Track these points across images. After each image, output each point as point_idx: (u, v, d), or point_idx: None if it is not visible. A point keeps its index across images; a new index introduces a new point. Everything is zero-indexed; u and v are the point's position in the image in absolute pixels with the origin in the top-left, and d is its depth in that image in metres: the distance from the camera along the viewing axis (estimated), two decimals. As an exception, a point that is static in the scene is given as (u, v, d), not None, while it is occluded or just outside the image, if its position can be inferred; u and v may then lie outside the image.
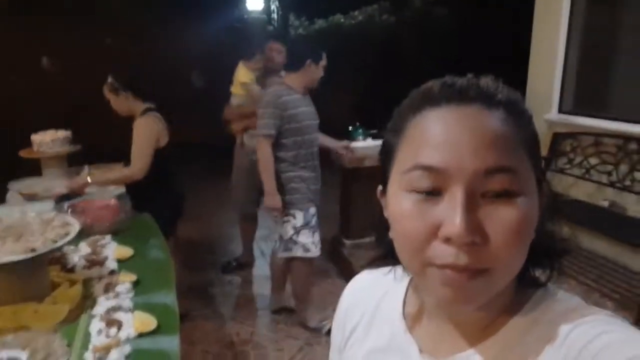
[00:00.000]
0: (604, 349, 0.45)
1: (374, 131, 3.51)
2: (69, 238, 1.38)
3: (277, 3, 7.83)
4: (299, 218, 2.62)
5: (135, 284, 1.57)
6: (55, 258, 1.73)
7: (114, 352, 1.19)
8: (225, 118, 3.48)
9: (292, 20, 7.56)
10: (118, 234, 2.03)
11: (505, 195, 0.47)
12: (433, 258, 0.48)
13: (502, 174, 0.47)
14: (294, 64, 2.66)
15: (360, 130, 3.51)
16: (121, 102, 2.63)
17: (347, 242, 3.56)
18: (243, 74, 3.42)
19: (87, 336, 1.29)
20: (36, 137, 2.93)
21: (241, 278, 3.48)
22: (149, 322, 1.33)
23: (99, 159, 3.21)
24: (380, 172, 0.57)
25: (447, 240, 0.47)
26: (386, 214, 0.57)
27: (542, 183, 0.52)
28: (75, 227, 1.45)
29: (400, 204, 0.51)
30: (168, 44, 6.21)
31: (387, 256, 0.63)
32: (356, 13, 7.88)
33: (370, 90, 6.64)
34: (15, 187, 2.72)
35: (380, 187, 0.58)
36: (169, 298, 1.49)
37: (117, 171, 2.72)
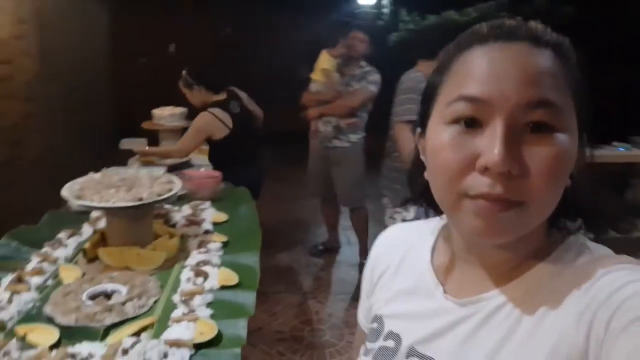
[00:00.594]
0: (631, 297, 0.44)
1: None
2: (171, 193, 1.54)
3: (389, -2, 7.81)
4: (411, 211, 2.55)
5: (225, 245, 1.70)
6: (160, 214, 1.93)
7: (197, 298, 1.31)
8: (303, 104, 3.53)
9: (402, 15, 7.47)
10: (217, 201, 2.20)
11: (546, 130, 0.47)
12: (468, 189, 0.49)
13: (544, 108, 0.47)
14: (429, 51, 2.56)
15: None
16: (195, 96, 2.86)
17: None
18: (324, 61, 3.47)
19: (177, 282, 1.43)
20: (156, 111, 3.26)
21: (325, 262, 3.57)
22: (232, 277, 1.45)
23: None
24: (420, 115, 0.59)
25: (484, 170, 0.47)
26: (422, 157, 0.59)
27: (584, 133, 0.51)
28: (177, 184, 1.61)
29: (439, 136, 0.52)
30: (277, 35, 6.48)
31: (419, 198, 0.64)
32: (470, 10, 7.59)
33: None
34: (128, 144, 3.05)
35: (418, 130, 0.60)
36: (252, 260, 1.60)
37: (168, 147, 3.00)
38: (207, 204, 2.15)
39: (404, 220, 2.50)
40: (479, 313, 0.55)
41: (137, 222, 1.55)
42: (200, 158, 3.17)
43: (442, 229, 0.67)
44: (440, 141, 0.52)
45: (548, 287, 0.51)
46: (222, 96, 2.84)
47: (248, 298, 1.37)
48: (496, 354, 0.51)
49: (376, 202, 3.27)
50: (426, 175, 0.57)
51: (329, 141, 3.37)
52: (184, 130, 3.30)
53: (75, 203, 1.44)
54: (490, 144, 0.47)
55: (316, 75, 3.51)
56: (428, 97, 0.57)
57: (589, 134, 0.53)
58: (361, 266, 3.34)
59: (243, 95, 3.08)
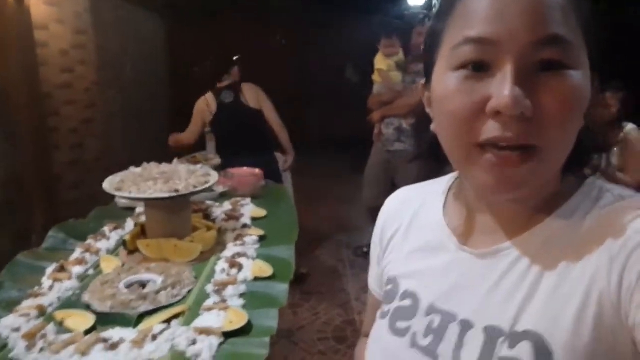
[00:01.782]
0: None
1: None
2: (207, 185, 1.55)
3: (439, -2, 7.66)
4: None
5: (262, 239, 1.69)
6: (201, 209, 1.96)
7: (230, 288, 1.30)
8: (368, 107, 3.41)
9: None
10: (257, 198, 2.20)
11: (557, 67, 0.44)
12: (479, 136, 0.46)
13: (555, 46, 0.44)
14: None
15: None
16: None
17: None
18: (379, 61, 3.34)
19: (212, 273, 1.43)
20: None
21: (369, 265, 3.48)
22: (266, 269, 1.43)
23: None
24: (424, 65, 0.56)
25: (496, 114, 0.44)
26: (428, 109, 0.56)
27: (595, 72, 0.47)
28: (214, 177, 1.62)
29: (446, 83, 0.49)
30: (326, 39, 6.51)
31: (427, 153, 0.62)
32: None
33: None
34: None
35: (422, 81, 0.57)
36: (287, 253, 1.58)
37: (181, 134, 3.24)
38: (248, 200, 2.16)
39: None
40: (499, 265, 0.52)
41: (175, 215, 1.57)
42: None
43: (452, 184, 0.64)
44: (447, 88, 0.48)
45: (572, 234, 0.48)
46: (224, 84, 3.07)
47: (281, 289, 1.34)
48: (527, 304, 0.48)
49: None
50: (433, 127, 0.54)
51: (391, 144, 3.19)
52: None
53: (113, 194, 1.47)
54: (500, 87, 0.44)
55: (375, 77, 3.42)
56: (431, 45, 0.53)
57: (600, 73, 0.49)
58: None
59: (254, 91, 3.11)
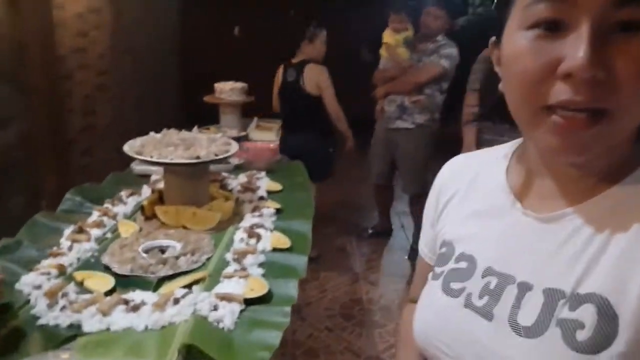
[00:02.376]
0: None
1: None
2: (228, 154, 1.53)
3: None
4: None
5: (278, 212, 1.69)
6: (217, 179, 1.94)
7: (249, 257, 1.30)
8: (373, 82, 3.33)
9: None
10: (272, 172, 2.19)
11: (637, 29, 0.41)
12: (548, 98, 0.44)
13: (635, 5, 0.41)
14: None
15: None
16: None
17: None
18: (386, 36, 3.21)
19: (230, 242, 1.42)
20: (218, 85, 3.29)
21: (378, 245, 3.49)
22: (284, 241, 1.42)
23: (267, 114, 3.53)
24: (496, 23, 0.53)
25: (567, 77, 0.42)
26: (497, 68, 0.54)
27: None
28: (235, 146, 1.61)
29: (517, 42, 0.47)
30: (342, 18, 6.39)
31: (491, 113, 0.60)
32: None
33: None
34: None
35: (493, 39, 0.54)
36: (304, 227, 1.57)
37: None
38: (263, 174, 2.15)
39: None
40: (563, 229, 0.51)
41: (194, 182, 1.56)
42: (259, 134, 3.19)
43: (516, 149, 0.63)
44: (518, 47, 0.46)
45: (634, 207, 0.47)
46: (295, 61, 3.18)
47: (300, 261, 1.34)
48: (591, 268, 0.47)
49: (426, 187, 3.15)
50: (501, 87, 0.53)
51: (392, 122, 3.13)
52: (243, 105, 3.36)
53: (134, 157, 1.46)
54: (574, 48, 0.42)
55: (382, 51, 3.31)
56: (504, 2, 0.51)
57: None
58: (412, 251, 3.25)
59: (315, 74, 3.14)
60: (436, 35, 2.99)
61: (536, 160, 0.56)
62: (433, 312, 0.61)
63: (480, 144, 2.41)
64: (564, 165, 0.52)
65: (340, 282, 2.91)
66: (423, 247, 0.75)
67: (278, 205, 1.72)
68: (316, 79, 3.09)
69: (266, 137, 3.12)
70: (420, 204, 2.95)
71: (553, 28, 0.44)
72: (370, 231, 3.60)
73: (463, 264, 0.59)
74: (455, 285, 0.59)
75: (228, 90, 3.31)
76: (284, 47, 6.57)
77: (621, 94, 0.42)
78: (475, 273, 0.57)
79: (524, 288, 0.52)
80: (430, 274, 0.65)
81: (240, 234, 1.45)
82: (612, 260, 0.47)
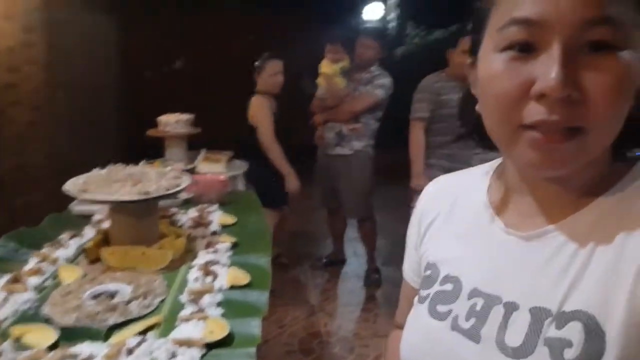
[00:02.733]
0: None
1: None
2: (180, 187, 1.47)
3: (395, 12, 7.83)
4: None
5: (234, 246, 1.62)
6: (166, 215, 1.86)
7: (206, 297, 1.22)
8: (311, 110, 3.43)
9: (409, 29, 7.51)
10: (224, 205, 2.12)
11: (607, 48, 0.43)
12: (524, 118, 0.45)
13: (604, 25, 0.42)
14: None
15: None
16: None
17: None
18: (324, 66, 3.33)
19: (184, 282, 1.34)
20: (162, 118, 3.20)
21: (332, 274, 3.45)
22: (243, 277, 1.36)
23: (214, 146, 3.45)
24: (470, 44, 0.55)
25: (541, 97, 0.43)
26: (473, 89, 0.55)
27: None
28: (186, 180, 1.54)
29: (492, 64, 0.48)
30: (282, 49, 6.49)
31: (471, 134, 0.61)
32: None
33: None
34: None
35: (469, 60, 0.56)
36: (263, 260, 1.51)
37: None
38: (215, 207, 2.08)
39: None
40: (546, 246, 0.51)
41: (143, 220, 1.47)
42: (207, 166, 3.11)
43: (496, 168, 0.63)
44: (493, 69, 0.48)
45: (622, 216, 0.47)
46: None
47: (260, 297, 1.28)
48: (576, 285, 0.47)
49: (383, 213, 3.19)
50: (478, 107, 0.53)
51: (331, 148, 3.24)
52: (190, 137, 3.28)
53: (78, 197, 1.36)
54: (546, 68, 0.43)
55: (319, 80, 3.41)
56: (478, 24, 0.52)
57: None
58: (367, 278, 3.25)
59: (252, 106, 3.27)
60: (370, 65, 3.13)
61: (515, 178, 0.56)
62: (420, 336, 0.60)
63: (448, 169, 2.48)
64: (544, 181, 0.52)
65: (298, 316, 2.84)
66: (407, 271, 0.74)
67: (233, 239, 1.66)
68: (252, 111, 3.13)
69: (215, 169, 3.05)
70: (367, 228, 2.97)
71: (526, 49, 0.46)
72: (324, 260, 3.58)
73: (449, 286, 0.59)
74: (442, 308, 0.58)
75: (173, 122, 3.22)
76: (229, 77, 6.54)
77: (594, 112, 0.43)
78: (461, 295, 0.57)
79: (511, 308, 0.51)
80: (416, 298, 0.64)
81: (194, 273, 1.37)
82: (597, 275, 0.47)
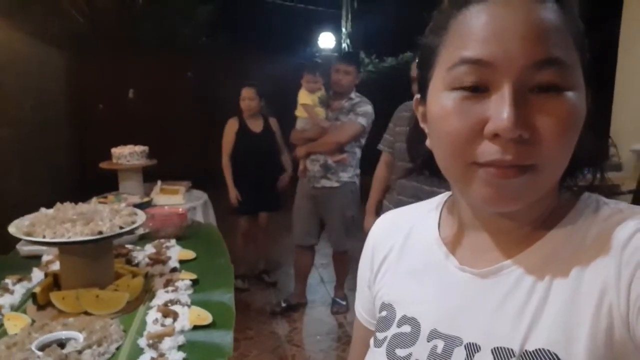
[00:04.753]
0: None
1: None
2: (135, 225, 1.40)
3: (348, 41, 8.02)
4: None
5: (195, 283, 1.56)
6: (121, 253, 1.77)
7: (167, 340, 1.16)
8: (291, 142, 3.31)
9: (362, 57, 7.67)
10: (182, 239, 2.05)
11: (555, 89, 0.44)
12: (477, 157, 0.45)
13: (552, 67, 0.44)
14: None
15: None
16: None
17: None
18: (303, 96, 3.24)
19: (143, 324, 1.27)
20: (116, 150, 3.10)
21: (288, 322, 3.15)
22: (205, 316, 1.30)
23: (170, 177, 3.36)
24: (418, 81, 0.54)
25: (494, 137, 0.44)
26: (422, 124, 0.55)
27: (589, 88, 0.48)
28: (141, 216, 1.47)
29: (442, 103, 0.48)
30: (238, 78, 6.48)
31: (421, 169, 0.61)
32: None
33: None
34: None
35: (417, 96, 0.56)
36: (226, 297, 1.46)
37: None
38: (173, 241, 2.00)
39: None
40: (502, 283, 0.50)
41: (96, 261, 1.39)
42: (164, 198, 3.02)
43: (445, 202, 0.63)
44: (444, 108, 0.48)
45: (574, 248, 0.48)
46: None
47: (224, 337, 1.22)
48: (536, 322, 0.47)
49: (354, 240, 3.13)
50: (428, 144, 0.54)
51: (317, 181, 3.09)
52: (144, 169, 3.18)
53: (23, 239, 1.27)
54: (498, 109, 0.44)
55: (298, 112, 3.30)
56: (426, 61, 0.52)
57: (593, 87, 0.50)
58: (334, 304, 3.19)
59: None
60: (349, 91, 3.03)
61: (468, 213, 0.56)
62: None
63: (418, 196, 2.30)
64: (498, 216, 0.52)
65: (264, 349, 2.74)
66: (360, 311, 0.71)
67: (194, 276, 1.59)
68: None
69: (172, 201, 2.97)
70: (342, 257, 2.81)
71: (476, 89, 0.46)
72: (283, 304, 3.28)
73: (406, 328, 0.57)
74: (401, 352, 0.56)
75: (127, 154, 3.12)
76: (184, 107, 6.45)
77: (545, 150, 0.44)
78: (420, 337, 0.55)
79: (472, 349, 0.50)
80: (372, 341, 0.62)
81: (153, 314, 1.30)
82: (555, 310, 0.46)
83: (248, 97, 3.51)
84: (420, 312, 0.57)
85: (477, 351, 0.49)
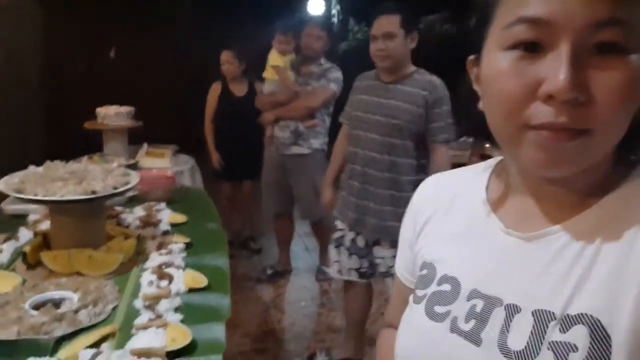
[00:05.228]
0: None
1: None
2: (129, 186, 1.37)
3: (337, 7, 7.85)
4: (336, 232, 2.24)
5: (188, 246, 1.54)
6: (111, 215, 1.74)
7: (163, 302, 1.15)
8: (258, 107, 3.18)
9: (351, 24, 7.54)
10: (172, 203, 2.02)
11: (616, 51, 0.42)
12: (530, 119, 0.44)
13: (615, 27, 0.42)
14: None
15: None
16: None
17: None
18: (274, 58, 3.14)
19: (137, 286, 1.26)
20: (101, 110, 3.02)
21: (274, 288, 3.18)
22: (200, 279, 1.30)
23: (156, 140, 3.30)
24: (473, 38, 0.53)
25: (548, 98, 0.43)
26: (476, 86, 0.54)
27: None
28: (135, 177, 1.44)
29: (497, 63, 0.47)
30: (220, 43, 6.33)
31: (473, 130, 0.61)
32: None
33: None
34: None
35: (471, 57, 0.54)
36: (220, 261, 1.45)
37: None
38: (162, 205, 1.97)
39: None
40: (548, 248, 0.50)
41: (88, 221, 1.36)
42: (150, 161, 2.97)
43: (495, 165, 0.62)
44: (498, 68, 0.46)
45: (626, 217, 0.47)
46: None
47: (221, 300, 1.22)
48: (580, 287, 0.46)
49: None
50: (481, 105, 0.52)
51: (287, 148, 3.01)
52: (129, 130, 3.11)
53: (14, 196, 1.23)
54: (554, 70, 0.42)
55: (268, 74, 3.19)
56: (481, 20, 0.50)
57: None
58: (318, 271, 3.22)
59: None
60: (319, 56, 2.96)
61: (516, 178, 0.55)
62: (417, 338, 0.58)
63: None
64: (547, 182, 0.51)
65: (250, 315, 2.76)
66: (401, 269, 0.72)
67: (187, 239, 1.58)
68: None
69: (159, 164, 2.92)
70: (321, 227, 2.77)
71: (532, 49, 0.44)
72: (269, 272, 3.24)
73: (446, 287, 0.57)
74: (440, 309, 0.56)
75: (112, 114, 3.05)
76: (171, 68, 6.26)
77: (601, 114, 0.43)
78: (459, 296, 0.55)
79: (512, 310, 0.50)
80: (411, 297, 0.62)
81: (147, 276, 1.29)
82: (602, 277, 0.46)
83: (227, 61, 3.47)
84: (461, 271, 0.57)
85: (517, 312, 0.49)
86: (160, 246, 1.50)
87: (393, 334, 0.63)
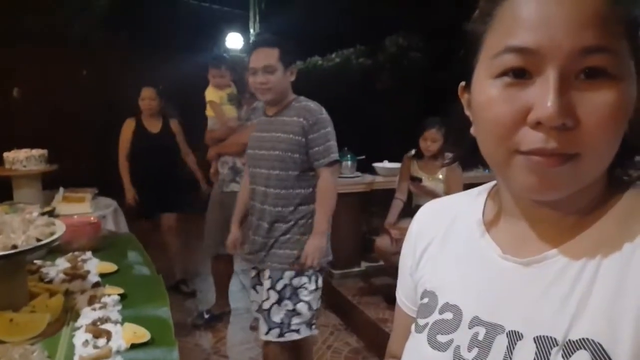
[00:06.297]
0: None
1: (362, 157, 3.45)
2: (55, 236, 1.24)
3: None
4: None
5: (123, 298, 1.42)
6: (31, 270, 1.56)
7: (104, 363, 1.04)
8: (205, 143, 3.14)
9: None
10: (99, 252, 1.87)
11: (601, 77, 0.44)
12: (520, 144, 0.45)
13: (600, 54, 0.43)
14: None
15: (348, 156, 3.44)
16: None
17: (335, 272, 3.42)
18: (210, 93, 3.11)
19: (70, 348, 1.13)
20: (9, 155, 2.76)
21: (213, 333, 3.03)
22: (142, 333, 1.18)
23: (73, 183, 3.07)
24: (463, 66, 0.55)
25: (537, 124, 0.44)
26: (467, 112, 0.55)
27: None
28: (61, 227, 1.31)
29: (486, 90, 0.48)
30: (142, 79, 6.12)
31: (466, 156, 0.61)
32: (333, 55, 8.04)
33: (347, 121, 6.65)
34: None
35: (462, 83, 0.56)
36: (161, 310, 1.34)
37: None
38: (88, 254, 1.82)
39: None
40: (546, 272, 0.50)
41: (7, 280, 1.21)
42: (69, 207, 2.74)
43: (491, 188, 0.63)
44: (488, 95, 0.48)
45: (623, 237, 0.48)
46: None
47: (168, 355, 1.12)
48: (581, 311, 0.46)
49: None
50: (473, 131, 0.53)
51: (226, 185, 2.94)
52: (43, 174, 2.87)
53: None
54: (542, 96, 0.44)
55: (208, 111, 3.14)
56: (471, 48, 0.52)
57: None
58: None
59: None
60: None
61: (509, 201, 0.56)
62: None
63: None
64: (539, 205, 0.52)
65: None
66: (402, 298, 0.71)
67: (120, 290, 1.45)
68: None
69: (79, 209, 2.71)
70: None
71: (521, 75, 0.46)
72: (206, 316, 3.12)
73: (448, 315, 0.57)
74: (442, 338, 0.56)
75: (23, 159, 2.80)
76: (81, 108, 5.92)
77: (589, 138, 0.44)
78: (461, 324, 0.56)
79: (514, 337, 0.50)
80: (413, 327, 0.62)
81: (81, 335, 1.16)
82: (601, 299, 0.46)
83: (148, 97, 3.47)
84: (462, 299, 0.57)
85: (519, 339, 0.49)
86: (91, 300, 1.36)
87: None
